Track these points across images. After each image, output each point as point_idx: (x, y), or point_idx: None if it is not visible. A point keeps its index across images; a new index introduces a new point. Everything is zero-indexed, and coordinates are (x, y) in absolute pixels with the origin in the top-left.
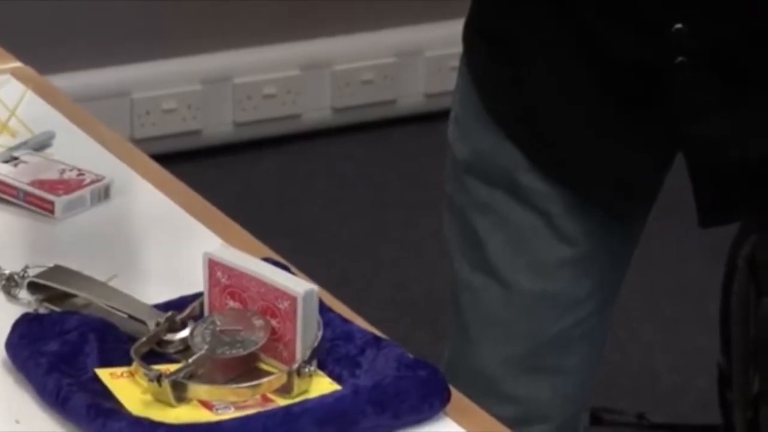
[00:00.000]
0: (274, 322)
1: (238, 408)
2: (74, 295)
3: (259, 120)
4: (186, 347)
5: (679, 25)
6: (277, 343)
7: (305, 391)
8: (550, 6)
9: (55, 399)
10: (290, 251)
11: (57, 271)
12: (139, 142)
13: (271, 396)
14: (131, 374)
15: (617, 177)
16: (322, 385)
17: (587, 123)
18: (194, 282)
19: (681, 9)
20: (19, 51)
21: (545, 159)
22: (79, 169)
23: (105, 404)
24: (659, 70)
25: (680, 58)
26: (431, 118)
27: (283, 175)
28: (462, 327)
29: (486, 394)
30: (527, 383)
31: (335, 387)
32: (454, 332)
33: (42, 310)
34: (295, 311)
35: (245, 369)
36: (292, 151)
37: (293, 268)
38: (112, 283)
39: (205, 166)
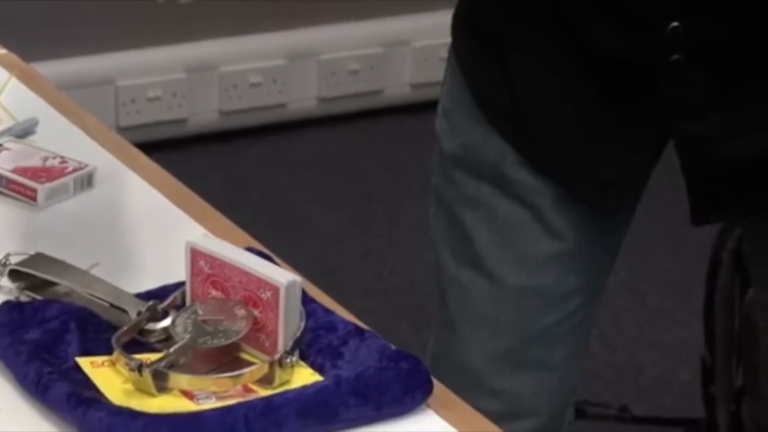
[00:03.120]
0: (256, 312)
1: (219, 398)
2: (56, 283)
3: (244, 109)
4: (167, 336)
5: (675, 24)
6: (259, 334)
7: (287, 382)
8: (542, 1)
9: (35, 387)
10: (275, 240)
11: (39, 259)
12: (124, 130)
13: (252, 386)
14: (112, 363)
15: (607, 173)
16: (304, 376)
17: (578, 119)
18: (177, 271)
19: (677, 7)
20: (3, 38)
21: (535, 154)
22: (62, 157)
23: (85, 393)
24: (653, 67)
25: (675, 56)
26: (418, 109)
27: (268, 164)
28: (447, 321)
29: (471, 389)
30: (513, 378)
31: (317, 378)
32: (439, 326)
33: (23, 298)
34: (277, 301)
35: (227, 359)
36: (277, 141)
37: (276, 258)
38: (93, 272)
39: (190, 154)
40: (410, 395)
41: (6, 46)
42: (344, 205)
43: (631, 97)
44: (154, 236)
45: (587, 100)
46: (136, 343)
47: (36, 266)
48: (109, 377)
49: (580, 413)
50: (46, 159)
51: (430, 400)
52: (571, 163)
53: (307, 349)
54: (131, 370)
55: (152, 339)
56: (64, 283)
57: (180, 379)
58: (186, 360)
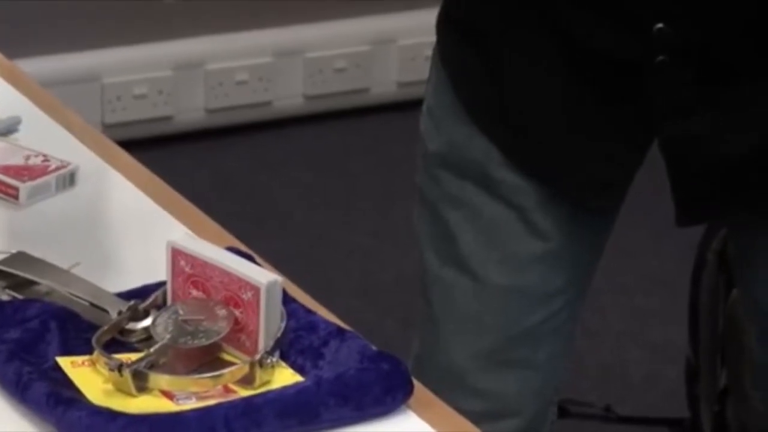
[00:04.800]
0: (237, 312)
1: (199, 398)
2: (37, 283)
3: (230, 107)
4: (148, 336)
5: (660, 24)
6: (239, 334)
7: (267, 382)
8: (532, 1)
9: (15, 387)
10: (261, 238)
11: (20, 258)
12: (109, 128)
13: (233, 387)
14: (92, 363)
15: (592, 172)
16: (285, 377)
17: (563, 118)
18: (158, 271)
19: (663, 8)
20: None
21: (519, 153)
22: (44, 155)
23: (65, 393)
24: (639, 67)
25: (661, 57)
26: (404, 107)
27: (254, 162)
28: (431, 320)
29: (455, 389)
30: (497, 377)
31: (297, 378)
32: (423, 326)
33: (4, 297)
34: (258, 302)
35: (207, 359)
36: (263, 139)
37: (257, 258)
38: (75, 271)
39: (175, 152)
40: (391, 396)
41: None
42: (331, 203)
43: (619, 96)
44: (136, 235)
45: (574, 98)
46: (117, 343)
47: (17, 265)
48: (89, 377)
49: (563, 412)
50: (28, 157)
51: (410, 400)
52: (556, 161)
53: (288, 349)
54: (111, 369)
55: (133, 339)
56: (44, 283)
57: (160, 380)
58: (166, 360)
